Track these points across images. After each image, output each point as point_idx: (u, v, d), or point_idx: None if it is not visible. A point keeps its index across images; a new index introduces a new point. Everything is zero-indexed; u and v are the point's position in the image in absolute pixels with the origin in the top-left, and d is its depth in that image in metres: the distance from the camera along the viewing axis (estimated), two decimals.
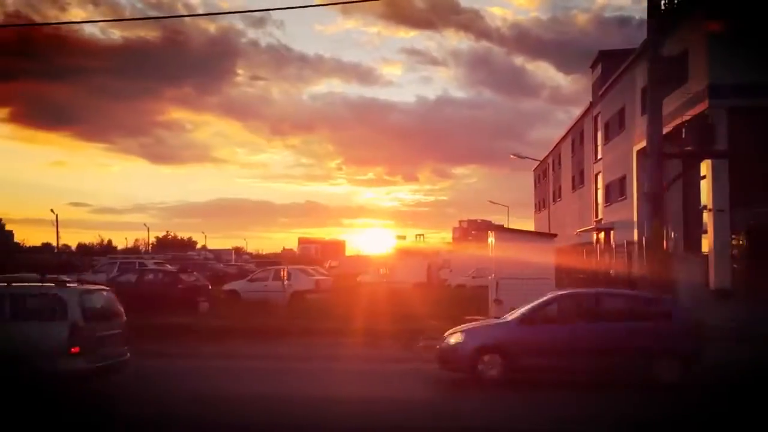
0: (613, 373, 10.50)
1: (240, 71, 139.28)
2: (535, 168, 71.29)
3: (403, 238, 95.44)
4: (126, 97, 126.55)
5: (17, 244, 66.85)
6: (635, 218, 33.55)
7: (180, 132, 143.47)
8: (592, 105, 44.97)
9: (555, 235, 18.88)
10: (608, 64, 41.07)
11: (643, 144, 32.58)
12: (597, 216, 43.30)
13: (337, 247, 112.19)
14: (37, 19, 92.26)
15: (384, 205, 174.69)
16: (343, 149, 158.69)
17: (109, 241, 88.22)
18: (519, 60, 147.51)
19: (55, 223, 77.77)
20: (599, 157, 42.49)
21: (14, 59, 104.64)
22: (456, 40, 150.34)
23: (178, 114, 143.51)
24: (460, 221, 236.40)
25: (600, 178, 42.20)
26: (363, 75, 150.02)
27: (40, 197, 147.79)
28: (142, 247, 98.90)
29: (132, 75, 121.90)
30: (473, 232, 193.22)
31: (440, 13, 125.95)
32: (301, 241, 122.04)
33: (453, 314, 18.55)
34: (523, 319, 11.05)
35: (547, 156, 63.80)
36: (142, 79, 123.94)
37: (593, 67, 45.28)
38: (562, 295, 11.81)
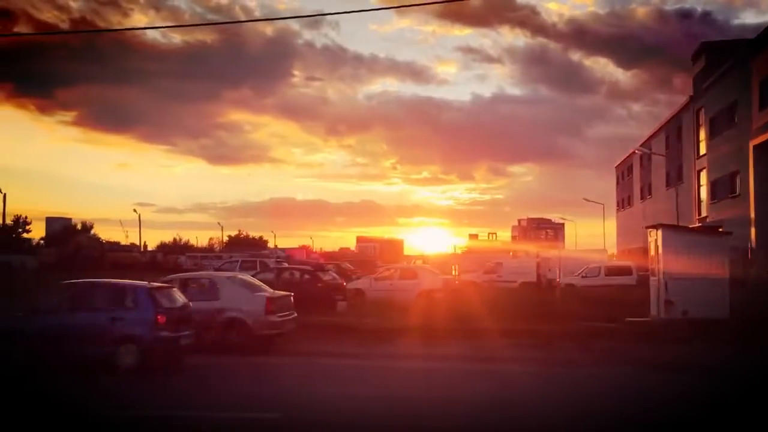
0: None
1: (296, 72, 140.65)
2: (618, 165, 69.45)
3: (476, 236, 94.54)
4: (187, 100, 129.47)
5: (108, 243, 68.79)
6: (752, 215, 32.19)
7: (239, 133, 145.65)
8: (692, 99, 43.36)
9: (730, 234, 17.95)
10: (713, 57, 39.52)
11: (763, 139, 31.48)
12: (699, 214, 41.75)
13: (396, 246, 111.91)
14: (102, 24, 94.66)
15: (439, 204, 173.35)
16: (398, 148, 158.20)
17: (187, 240, 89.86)
18: (576, 56, 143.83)
19: (138, 223, 79.97)
20: (702, 153, 40.95)
21: (81, 64, 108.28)
22: (511, 36, 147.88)
23: (237, 115, 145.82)
24: (519, 220, 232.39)
25: (704, 174, 40.67)
26: (418, 74, 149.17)
27: (107, 198, 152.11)
28: (217, 246, 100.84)
29: (192, 78, 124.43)
30: (534, 229, 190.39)
31: (495, 10, 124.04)
32: (360, 240, 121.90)
33: (600, 315, 18.00)
34: None
35: (632, 153, 62.04)
36: (203, 81, 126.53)
37: (694, 59, 43.64)
38: None
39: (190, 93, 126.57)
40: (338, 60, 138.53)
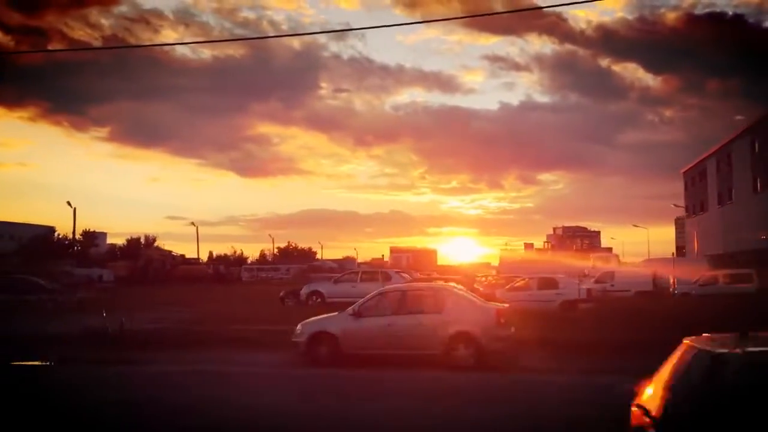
0: None
1: (323, 84, 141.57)
2: (687, 170, 68.10)
3: (531, 245, 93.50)
4: (216, 114, 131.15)
5: (178, 257, 69.20)
6: None
7: (267, 146, 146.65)
8: None
9: None
10: None
11: None
12: None
13: (429, 255, 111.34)
14: (132, 41, 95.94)
15: (468, 213, 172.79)
16: (426, 158, 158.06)
17: (242, 252, 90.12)
18: (605, 62, 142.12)
19: (196, 237, 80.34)
20: None
21: (112, 81, 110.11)
22: (539, 44, 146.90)
23: (265, 128, 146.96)
24: (554, 228, 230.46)
25: None
26: (444, 83, 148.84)
27: (139, 212, 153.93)
28: (269, 257, 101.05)
29: (221, 92, 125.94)
30: (570, 237, 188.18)
31: (522, 18, 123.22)
32: (393, 251, 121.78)
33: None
34: None
35: (706, 157, 60.73)
36: (231, 95, 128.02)
37: None
38: None
39: (219, 107, 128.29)
40: (365, 71, 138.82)
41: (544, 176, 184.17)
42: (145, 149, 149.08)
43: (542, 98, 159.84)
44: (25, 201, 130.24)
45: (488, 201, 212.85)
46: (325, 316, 14.07)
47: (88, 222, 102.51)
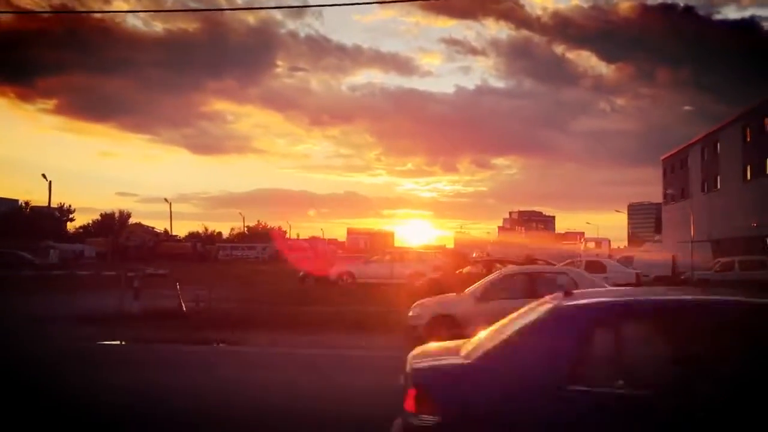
0: None
1: (280, 63, 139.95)
2: (666, 157, 69.27)
3: (512, 228, 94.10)
4: (169, 89, 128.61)
5: (161, 233, 67.07)
6: None
7: (222, 123, 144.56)
8: None
9: None
10: None
11: None
12: None
13: (386, 238, 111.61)
14: (81, 9, 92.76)
15: (423, 196, 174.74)
16: (382, 140, 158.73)
17: (213, 231, 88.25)
18: (560, 49, 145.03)
19: (169, 214, 78.45)
20: None
21: (61, 52, 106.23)
22: (495, 29, 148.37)
23: (220, 105, 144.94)
24: (510, 212, 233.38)
25: None
26: (401, 65, 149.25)
27: (89, 187, 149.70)
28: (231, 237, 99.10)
29: (175, 67, 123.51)
30: (525, 221, 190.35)
31: (480, 2, 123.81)
32: (350, 232, 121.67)
33: None
34: None
35: (689, 145, 61.89)
36: (185, 71, 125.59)
37: None
38: None
39: (173, 82, 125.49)
40: (322, 50, 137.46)
41: (498, 161, 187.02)
42: (95, 123, 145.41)
43: (498, 83, 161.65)
44: None
45: (443, 184, 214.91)
46: (443, 298, 13.53)
47: (36, 196, 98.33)
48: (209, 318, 15.76)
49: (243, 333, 14.05)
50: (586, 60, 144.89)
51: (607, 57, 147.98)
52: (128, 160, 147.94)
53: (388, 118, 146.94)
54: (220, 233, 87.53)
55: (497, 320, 12.05)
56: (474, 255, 50.20)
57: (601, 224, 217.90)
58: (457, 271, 25.83)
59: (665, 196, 69.94)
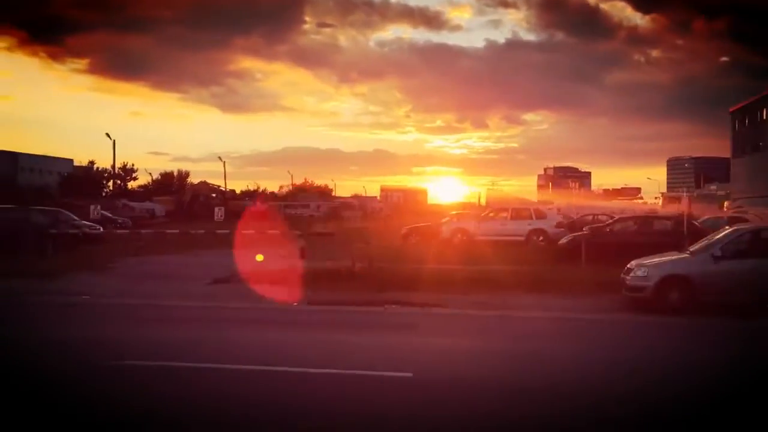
0: None
1: (307, 19, 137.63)
2: (735, 110, 66.89)
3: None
4: (198, 47, 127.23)
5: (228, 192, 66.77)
6: None
7: (250, 81, 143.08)
8: None
9: None
10: None
11: None
12: None
13: (420, 195, 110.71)
14: None
15: (453, 153, 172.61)
16: (411, 96, 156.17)
17: (265, 189, 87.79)
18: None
19: (223, 172, 77.60)
20: None
21: (91, 10, 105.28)
22: None
23: (248, 63, 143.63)
24: (545, 168, 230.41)
25: None
26: (431, 19, 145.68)
27: (120, 146, 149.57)
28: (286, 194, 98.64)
29: (203, 25, 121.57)
30: (561, 177, 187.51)
31: None
32: (384, 190, 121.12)
33: None
34: None
35: (760, 97, 59.50)
36: (214, 28, 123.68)
37: None
38: None
39: (201, 40, 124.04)
40: (350, 5, 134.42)
41: (529, 116, 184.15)
42: (125, 82, 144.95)
43: (529, 37, 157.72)
44: (4, 133, 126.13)
45: (473, 140, 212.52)
46: (670, 257, 12.67)
47: (71, 155, 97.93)
48: (379, 278, 15.06)
49: (421, 293, 13.38)
50: (621, 11, 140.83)
51: (642, 7, 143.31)
52: (159, 120, 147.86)
53: (417, 74, 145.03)
54: (273, 192, 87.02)
55: (741, 281, 11.33)
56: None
57: (637, 180, 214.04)
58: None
59: (734, 149, 67.75)
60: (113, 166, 58.98)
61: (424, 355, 8.10)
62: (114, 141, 57.93)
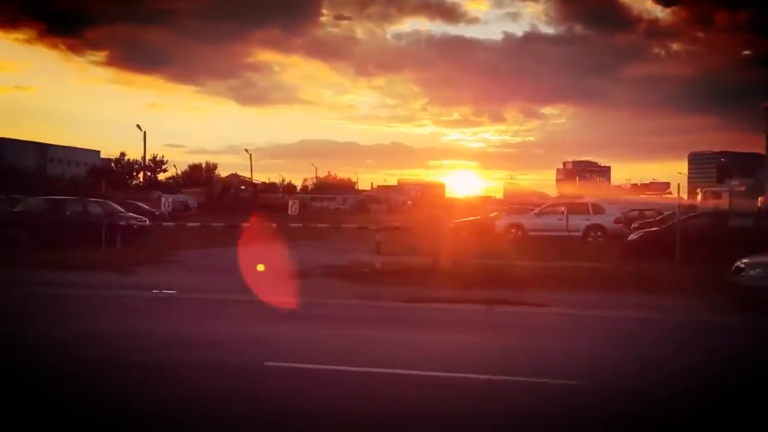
0: None
1: (325, 11, 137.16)
2: None
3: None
4: (216, 40, 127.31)
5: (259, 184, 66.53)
6: None
7: (268, 74, 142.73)
8: None
9: None
10: None
11: None
12: None
13: (438, 189, 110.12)
14: None
15: (470, 146, 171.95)
16: (428, 89, 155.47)
17: (290, 182, 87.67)
18: None
19: (249, 165, 77.62)
20: None
21: (110, 4, 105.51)
22: None
23: (265, 56, 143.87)
24: (564, 163, 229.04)
25: None
26: (448, 12, 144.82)
27: (137, 138, 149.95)
28: (310, 187, 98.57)
29: (221, 17, 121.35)
30: (580, 171, 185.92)
31: None
32: (401, 183, 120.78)
33: None
34: None
35: None
36: (231, 21, 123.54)
37: None
38: None
39: (218, 32, 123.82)
40: None
41: (547, 110, 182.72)
42: (143, 74, 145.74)
43: (547, 29, 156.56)
44: (25, 124, 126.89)
45: (490, 134, 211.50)
46: None
47: (89, 146, 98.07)
48: (459, 274, 14.62)
49: (511, 291, 12.91)
50: (641, 3, 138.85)
51: (662, 0, 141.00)
52: (176, 111, 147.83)
53: (434, 67, 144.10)
54: (296, 186, 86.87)
55: None
56: None
57: (658, 174, 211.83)
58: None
59: None
60: (143, 158, 58.95)
61: (578, 361, 7.63)
62: (144, 132, 57.97)
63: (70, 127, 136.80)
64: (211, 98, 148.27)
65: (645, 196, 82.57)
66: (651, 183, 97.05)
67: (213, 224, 30.82)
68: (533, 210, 27.88)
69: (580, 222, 25.11)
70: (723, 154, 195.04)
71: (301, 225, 30.49)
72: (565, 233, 24.57)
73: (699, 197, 48.92)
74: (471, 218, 29.89)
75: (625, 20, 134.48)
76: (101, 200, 25.23)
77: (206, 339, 8.37)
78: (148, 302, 11.95)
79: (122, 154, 60.56)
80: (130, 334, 8.65)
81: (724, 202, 45.81)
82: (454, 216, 31.87)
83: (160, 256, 18.01)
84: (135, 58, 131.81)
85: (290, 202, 37.38)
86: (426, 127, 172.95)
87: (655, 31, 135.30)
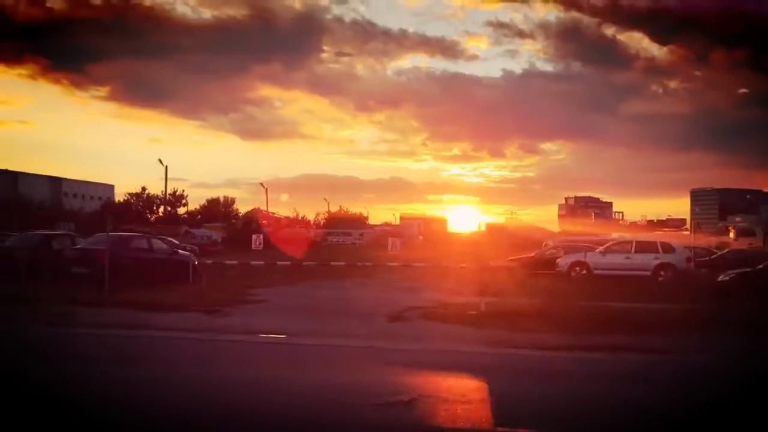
0: None
1: (326, 47, 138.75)
2: None
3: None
4: (217, 75, 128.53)
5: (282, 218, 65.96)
6: None
7: (269, 108, 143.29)
8: None
9: None
10: None
11: None
12: None
13: (440, 223, 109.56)
14: None
15: (469, 181, 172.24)
16: (427, 125, 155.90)
17: (304, 216, 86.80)
18: (610, 30, 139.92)
19: (265, 198, 76.66)
20: None
21: (112, 39, 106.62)
22: (544, 11, 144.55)
23: (267, 91, 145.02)
24: (566, 198, 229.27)
25: None
26: (447, 49, 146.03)
27: (140, 172, 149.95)
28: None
29: (222, 53, 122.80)
30: (582, 207, 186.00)
31: None
32: (403, 218, 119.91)
33: None
34: None
35: None
36: (232, 56, 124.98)
37: None
38: None
39: (220, 68, 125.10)
40: (367, 35, 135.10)
41: (546, 145, 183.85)
42: (145, 109, 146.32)
43: (546, 66, 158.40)
44: (28, 159, 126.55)
45: (489, 169, 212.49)
46: None
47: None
48: (567, 317, 13.76)
49: (625, 336, 12.15)
50: (638, 42, 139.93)
51: (659, 38, 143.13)
52: (178, 146, 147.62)
53: (433, 103, 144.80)
54: (309, 220, 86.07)
55: None
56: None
57: (661, 211, 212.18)
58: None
59: None
60: (164, 192, 58.29)
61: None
62: (166, 167, 57.45)
63: (74, 162, 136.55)
64: (213, 132, 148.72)
65: (660, 232, 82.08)
66: (667, 219, 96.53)
67: (252, 262, 30.14)
68: (586, 246, 27.04)
69: (648, 261, 24.41)
70: (724, 190, 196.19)
71: (344, 263, 29.74)
72: (633, 272, 23.87)
73: (732, 235, 48.20)
74: (525, 256, 29.20)
75: (622, 58, 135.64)
76: (163, 237, 24.59)
77: (396, 396, 7.47)
78: (271, 349, 11.14)
79: (143, 189, 59.91)
80: (303, 384, 7.85)
81: (757, 242, 45.21)
82: (479, 253, 31.16)
83: (239, 295, 17.18)
84: (137, 93, 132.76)
85: (324, 236, 36.59)
86: (426, 162, 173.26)
87: (652, 68, 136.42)
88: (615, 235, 47.92)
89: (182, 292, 16.82)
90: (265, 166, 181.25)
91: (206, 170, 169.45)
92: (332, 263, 29.80)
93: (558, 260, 25.83)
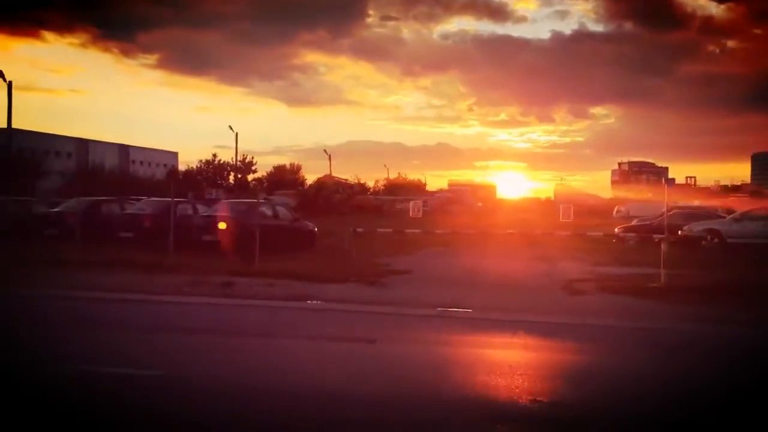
0: None
1: (371, 12, 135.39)
2: None
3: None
4: (263, 42, 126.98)
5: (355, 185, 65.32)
6: None
7: (314, 75, 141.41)
8: None
9: None
10: None
11: None
12: None
13: (489, 189, 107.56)
14: None
15: (517, 147, 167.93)
16: (474, 90, 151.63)
17: (364, 183, 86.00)
18: None
19: (329, 164, 75.87)
20: None
21: (160, 7, 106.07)
22: None
23: (312, 57, 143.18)
24: (620, 163, 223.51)
25: None
26: (495, 11, 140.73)
27: (189, 141, 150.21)
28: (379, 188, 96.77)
29: (268, 20, 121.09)
30: (636, 173, 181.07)
31: None
32: (452, 184, 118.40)
33: None
34: None
35: None
36: (278, 23, 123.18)
37: None
38: None
39: (266, 35, 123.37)
40: None
41: (596, 110, 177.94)
42: (193, 77, 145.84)
43: (596, 27, 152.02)
44: (80, 127, 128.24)
45: (537, 134, 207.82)
46: None
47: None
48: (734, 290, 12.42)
49: None
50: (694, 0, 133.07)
51: None
52: (225, 113, 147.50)
53: (480, 67, 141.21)
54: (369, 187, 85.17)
55: None
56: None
57: (721, 175, 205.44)
58: None
59: None
60: (235, 159, 57.94)
61: None
62: (236, 134, 56.99)
63: (126, 129, 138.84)
64: (259, 99, 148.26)
65: (734, 198, 78.84)
66: (742, 185, 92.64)
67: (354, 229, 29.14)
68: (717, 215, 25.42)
69: None
70: None
71: (442, 231, 28.42)
72: None
73: None
74: (639, 223, 27.66)
75: (677, 17, 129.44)
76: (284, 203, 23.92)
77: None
78: (479, 325, 10.12)
79: (214, 156, 59.60)
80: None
81: None
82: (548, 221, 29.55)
83: (374, 266, 16.27)
84: (185, 61, 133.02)
85: (411, 204, 35.27)
86: (472, 127, 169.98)
87: (709, 27, 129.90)
88: (696, 202, 45.86)
89: (324, 262, 16.03)
90: (311, 133, 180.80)
91: (252, 137, 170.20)
92: (437, 231, 28.57)
93: (685, 228, 24.20)
